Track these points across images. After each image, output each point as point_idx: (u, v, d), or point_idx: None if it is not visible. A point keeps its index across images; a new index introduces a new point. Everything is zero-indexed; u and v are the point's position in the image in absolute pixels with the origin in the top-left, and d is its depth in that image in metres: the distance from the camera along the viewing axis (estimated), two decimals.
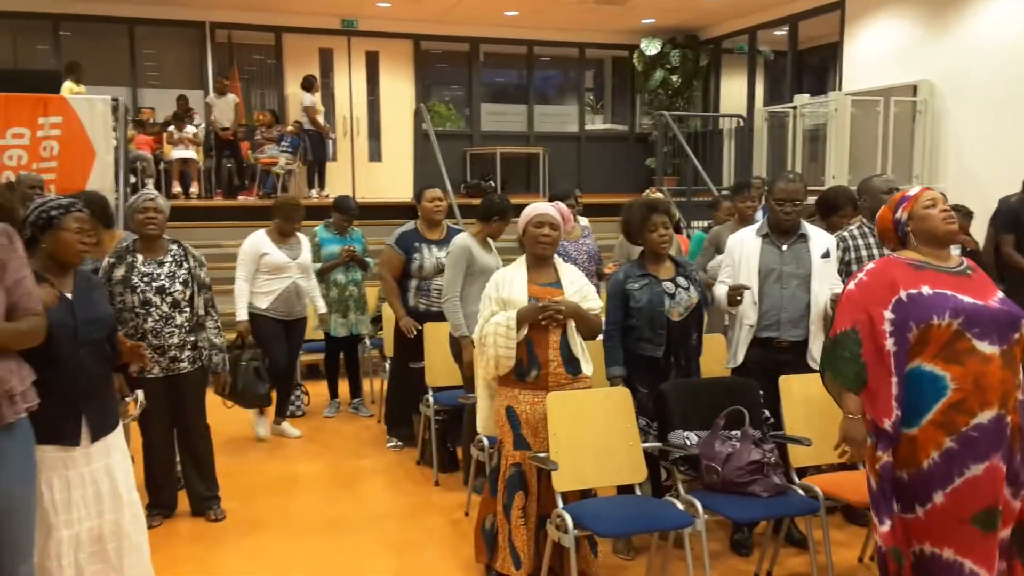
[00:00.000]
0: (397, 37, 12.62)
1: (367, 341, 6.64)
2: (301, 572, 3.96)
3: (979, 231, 6.54)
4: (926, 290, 2.72)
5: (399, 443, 5.70)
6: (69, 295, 3.02)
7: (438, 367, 5.08)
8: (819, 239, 4.12)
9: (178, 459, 4.56)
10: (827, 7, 10.53)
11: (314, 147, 10.96)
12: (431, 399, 5.04)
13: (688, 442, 3.64)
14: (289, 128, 11.00)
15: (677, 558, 3.66)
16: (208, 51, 11.90)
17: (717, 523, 4.16)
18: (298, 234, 5.83)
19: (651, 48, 12.88)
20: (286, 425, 6.04)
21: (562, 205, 3.75)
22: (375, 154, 12.90)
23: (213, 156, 11.08)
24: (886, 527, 2.78)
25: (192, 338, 4.32)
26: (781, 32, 11.76)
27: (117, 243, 4.51)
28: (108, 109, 7.41)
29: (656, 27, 12.81)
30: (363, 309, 6.50)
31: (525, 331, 3.49)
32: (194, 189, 10.62)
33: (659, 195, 6.48)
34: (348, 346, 6.56)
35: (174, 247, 4.35)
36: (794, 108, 9.90)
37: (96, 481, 3.03)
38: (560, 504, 3.39)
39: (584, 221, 6.00)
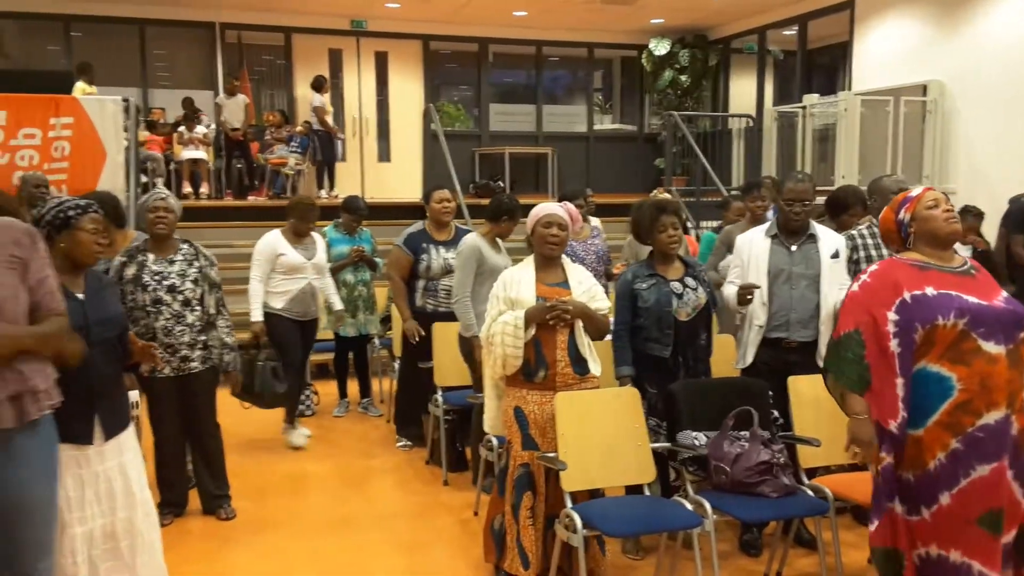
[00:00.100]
0: (406, 37, 12.64)
1: (376, 341, 6.66)
2: (311, 571, 3.98)
3: (990, 231, 6.51)
4: (930, 291, 2.71)
5: (408, 443, 5.72)
6: (81, 295, 3.04)
7: (447, 367, 5.09)
8: (828, 239, 4.12)
9: (189, 458, 4.59)
10: (837, 7, 10.50)
11: (323, 147, 10.99)
12: (440, 399, 5.05)
13: (697, 442, 3.64)
14: (298, 129, 11.04)
15: (686, 558, 3.66)
16: (218, 52, 11.94)
17: (726, 524, 4.16)
18: (313, 234, 5.80)
19: (660, 48, 12.87)
20: (295, 433, 5.82)
21: (570, 205, 3.75)
22: (384, 154, 12.92)
23: (223, 156, 11.13)
24: (873, 526, 2.81)
25: (203, 337, 4.34)
26: (790, 32, 11.73)
27: (129, 243, 4.54)
28: (119, 110, 7.44)
29: (665, 27, 12.80)
30: (372, 309, 6.52)
31: (533, 331, 3.49)
32: (204, 189, 10.66)
33: (667, 195, 6.49)
34: (357, 346, 6.58)
35: (185, 246, 4.37)
36: (803, 108, 9.87)
37: (109, 479, 3.06)
38: (569, 504, 3.39)
39: (595, 222, 5.99)
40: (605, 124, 14.10)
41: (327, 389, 6.92)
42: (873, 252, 4.25)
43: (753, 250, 4.13)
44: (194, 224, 8.46)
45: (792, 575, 3.84)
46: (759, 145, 10.94)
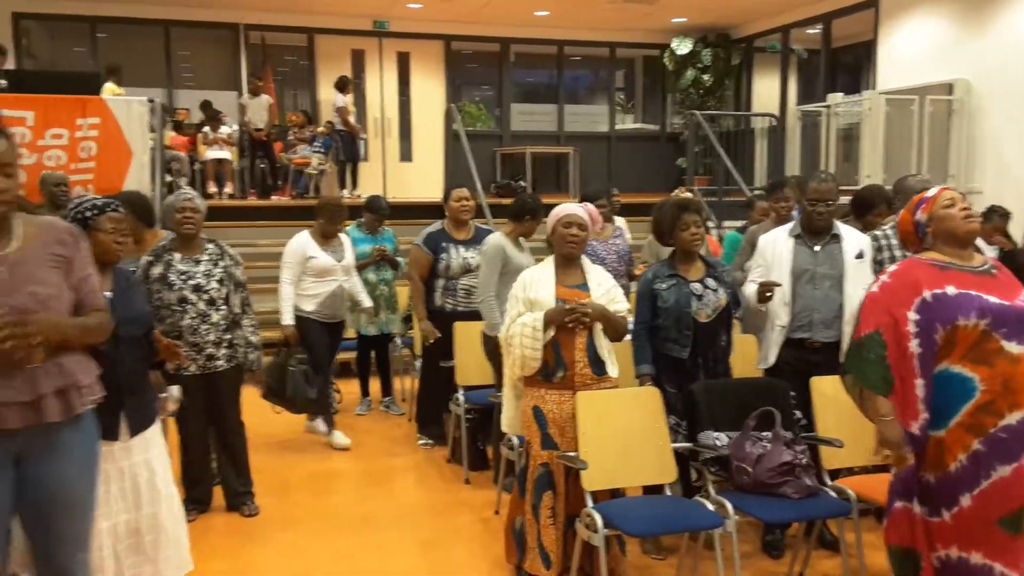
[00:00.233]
0: (428, 38, 12.68)
1: (398, 340, 6.68)
2: (333, 567, 4.01)
3: (1018, 231, 6.44)
4: (951, 290, 2.69)
5: (430, 441, 5.74)
6: (108, 293, 3.07)
7: (468, 366, 5.11)
8: (852, 239, 4.09)
9: (213, 455, 4.64)
10: (861, 5, 10.43)
11: (346, 147, 11.04)
12: (461, 398, 5.07)
13: (718, 443, 3.63)
14: (320, 129, 11.10)
15: (707, 559, 3.64)
16: (242, 52, 12.04)
17: (748, 524, 4.15)
18: (340, 235, 5.79)
19: (682, 47, 12.82)
20: (336, 434, 5.83)
21: (591, 206, 3.75)
22: (406, 154, 12.97)
23: (247, 157, 11.22)
24: (885, 523, 2.81)
25: (228, 336, 4.38)
26: (814, 30, 11.66)
27: (157, 242, 4.59)
28: (145, 110, 7.53)
29: (687, 26, 12.75)
30: (394, 308, 6.54)
31: (552, 333, 3.49)
32: (228, 189, 10.75)
33: (688, 195, 6.45)
34: (379, 345, 6.61)
35: (211, 246, 4.42)
36: (827, 107, 9.80)
37: (135, 475, 3.10)
38: (590, 503, 3.39)
39: (620, 222, 5.94)
40: (627, 124, 14.07)
41: (349, 388, 6.96)
42: (897, 252, 4.22)
43: (776, 250, 4.11)
44: (217, 224, 8.52)
45: None
46: (782, 145, 10.89)
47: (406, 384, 7.06)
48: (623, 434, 3.56)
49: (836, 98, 9.85)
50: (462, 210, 5.43)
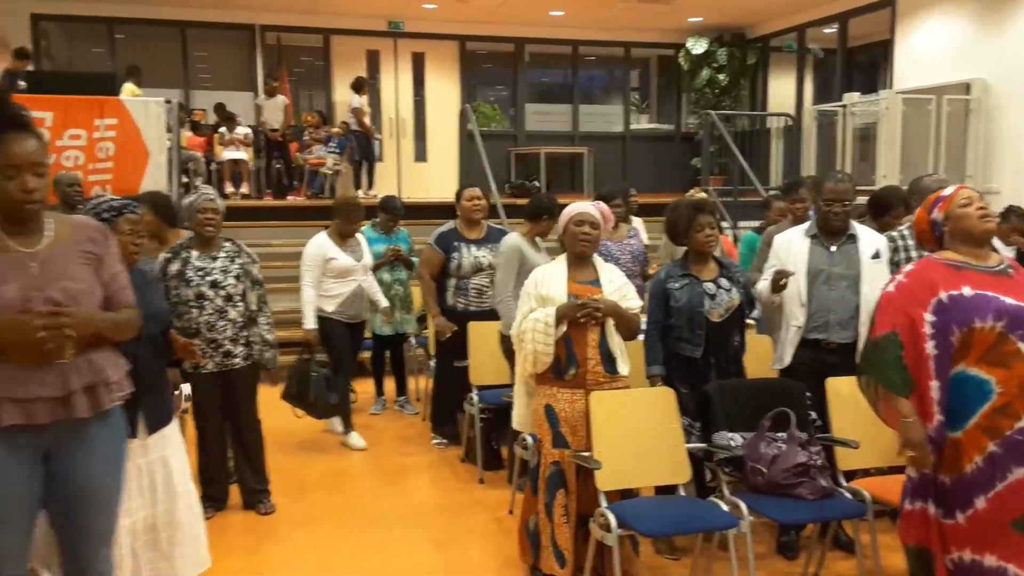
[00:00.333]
0: (443, 38, 12.71)
1: (412, 339, 6.70)
2: (347, 565, 4.02)
3: None
4: (967, 291, 2.67)
5: (444, 440, 5.75)
6: None
7: (482, 365, 5.11)
8: (869, 240, 4.07)
9: (230, 454, 4.67)
10: (877, 4, 10.37)
11: (361, 147, 11.08)
12: (475, 397, 5.08)
13: (733, 443, 3.62)
14: (335, 129, 11.15)
15: (721, 559, 3.64)
16: (258, 53, 12.11)
17: (763, 525, 4.14)
18: (356, 235, 5.81)
19: (697, 47, 12.79)
20: (353, 435, 5.80)
21: (603, 205, 3.75)
22: (421, 154, 13.01)
23: (263, 157, 11.27)
24: (900, 523, 2.81)
25: (245, 333, 4.41)
26: (831, 30, 11.61)
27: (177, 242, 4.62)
28: (162, 111, 7.60)
29: (703, 25, 12.72)
30: (408, 308, 6.56)
31: (564, 328, 3.50)
32: (245, 189, 10.81)
33: (703, 195, 6.43)
34: (393, 344, 6.63)
35: (228, 244, 4.45)
36: (844, 107, 9.77)
37: (152, 472, 3.13)
38: (603, 503, 3.40)
39: (636, 222, 5.91)
40: (642, 123, 14.05)
41: (364, 387, 6.98)
42: (914, 253, 4.19)
43: (792, 250, 4.09)
44: (233, 224, 8.56)
45: None
46: (798, 144, 10.85)
47: (420, 384, 7.08)
48: (637, 434, 3.55)
49: (852, 98, 9.81)
50: (474, 209, 5.44)
